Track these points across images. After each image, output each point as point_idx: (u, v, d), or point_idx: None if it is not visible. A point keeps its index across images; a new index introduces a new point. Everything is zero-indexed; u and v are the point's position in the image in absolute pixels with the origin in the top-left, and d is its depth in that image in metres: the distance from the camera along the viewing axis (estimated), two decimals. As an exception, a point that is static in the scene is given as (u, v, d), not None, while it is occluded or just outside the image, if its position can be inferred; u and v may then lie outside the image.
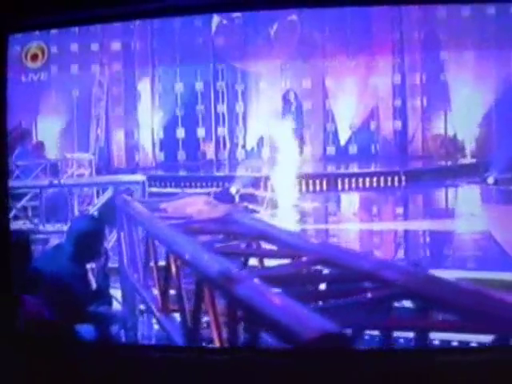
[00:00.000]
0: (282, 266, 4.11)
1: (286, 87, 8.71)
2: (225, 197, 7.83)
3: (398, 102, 8.87)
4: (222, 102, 8.93)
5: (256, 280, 3.22)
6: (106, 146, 8.47)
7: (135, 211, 5.18)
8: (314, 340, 2.74)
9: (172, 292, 4.43)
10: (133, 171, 7.84)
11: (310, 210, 8.35)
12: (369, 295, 3.42)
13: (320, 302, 3.45)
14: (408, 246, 7.47)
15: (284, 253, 4.17)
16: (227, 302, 3.41)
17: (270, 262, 4.42)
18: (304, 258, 3.79)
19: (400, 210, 8.49)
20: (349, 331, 3.12)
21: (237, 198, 7.82)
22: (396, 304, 3.39)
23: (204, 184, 8.18)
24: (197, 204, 5.20)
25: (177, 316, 4.37)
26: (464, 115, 8.37)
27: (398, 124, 8.88)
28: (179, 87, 8.72)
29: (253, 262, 4.52)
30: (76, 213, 7.02)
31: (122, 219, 5.47)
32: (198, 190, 8.05)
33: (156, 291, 4.67)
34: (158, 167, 8.69)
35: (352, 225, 7.81)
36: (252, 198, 8.00)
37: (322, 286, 3.66)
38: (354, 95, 8.75)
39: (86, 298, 5.27)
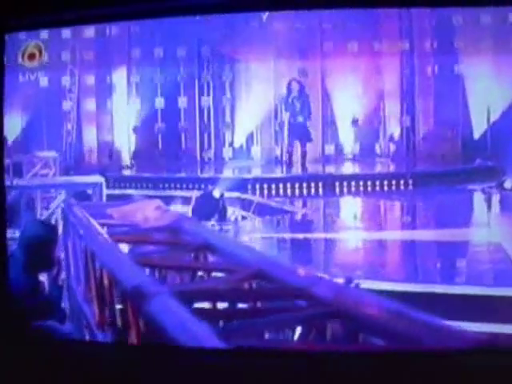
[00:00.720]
0: (207, 280, 4.28)
1: (282, 78, 8.79)
2: (207, 201, 7.92)
3: (407, 96, 8.90)
4: (208, 94, 9.07)
5: (167, 296, 3.37)
6: (76, 142, 8.65)
7: (76, 218, 5.33)
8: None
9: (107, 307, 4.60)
10: (102, 171, 7.97)
11: (303, 216, 8.43)
12: (296, 313, 3.54)
13: (240, 320, 3.60)
14: (413, 257, 7.50)
15: (225, 265, 4.30)
16: (141, 318, 3.57)
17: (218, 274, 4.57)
18: (238, 273, 3.92)
19: (407, 219, 8.54)
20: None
21: (220, 203, 7.89)
22: (325, 324, 3.51)
23: (185, 186, 8.25)
24: (146, 210, 5.32)
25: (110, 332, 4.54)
26: (480, 112, 8.40)
27: (406, 120, 8.97)
28: (159, 78, 8.85)
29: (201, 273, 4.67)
30: (38, 217, 7.23)
31: (69, 226, 5.63)
32: (178, 193, 8.15)
33: (94, 306, 4.82)
34: (133, 167, 8.85)
35: (351, 233, 7.81)
36: (238, 203, 8.09)
37: (249, 303, 3.81)
38: (357, 88, 8.79)
39: (37, 312, 5.40)
